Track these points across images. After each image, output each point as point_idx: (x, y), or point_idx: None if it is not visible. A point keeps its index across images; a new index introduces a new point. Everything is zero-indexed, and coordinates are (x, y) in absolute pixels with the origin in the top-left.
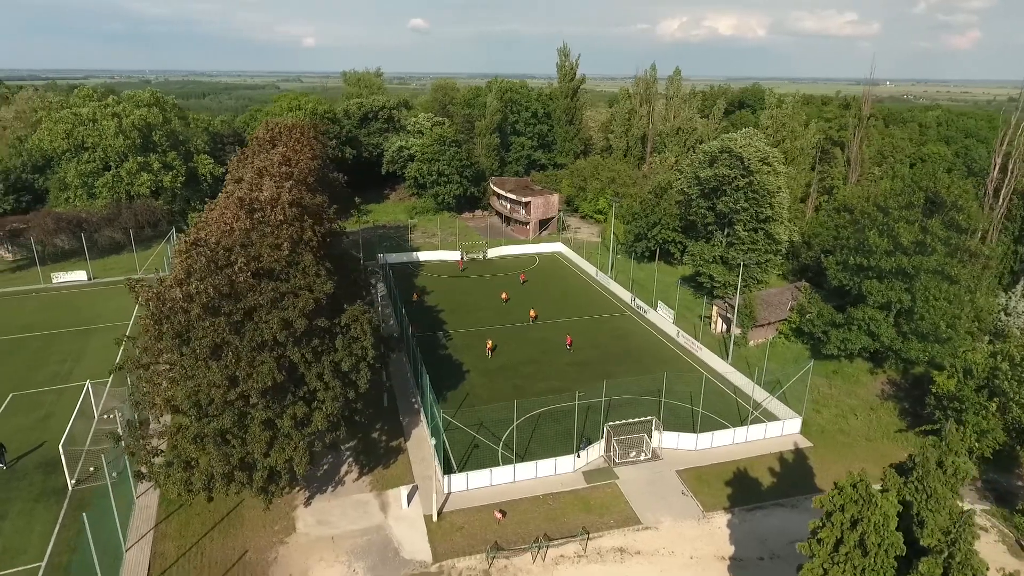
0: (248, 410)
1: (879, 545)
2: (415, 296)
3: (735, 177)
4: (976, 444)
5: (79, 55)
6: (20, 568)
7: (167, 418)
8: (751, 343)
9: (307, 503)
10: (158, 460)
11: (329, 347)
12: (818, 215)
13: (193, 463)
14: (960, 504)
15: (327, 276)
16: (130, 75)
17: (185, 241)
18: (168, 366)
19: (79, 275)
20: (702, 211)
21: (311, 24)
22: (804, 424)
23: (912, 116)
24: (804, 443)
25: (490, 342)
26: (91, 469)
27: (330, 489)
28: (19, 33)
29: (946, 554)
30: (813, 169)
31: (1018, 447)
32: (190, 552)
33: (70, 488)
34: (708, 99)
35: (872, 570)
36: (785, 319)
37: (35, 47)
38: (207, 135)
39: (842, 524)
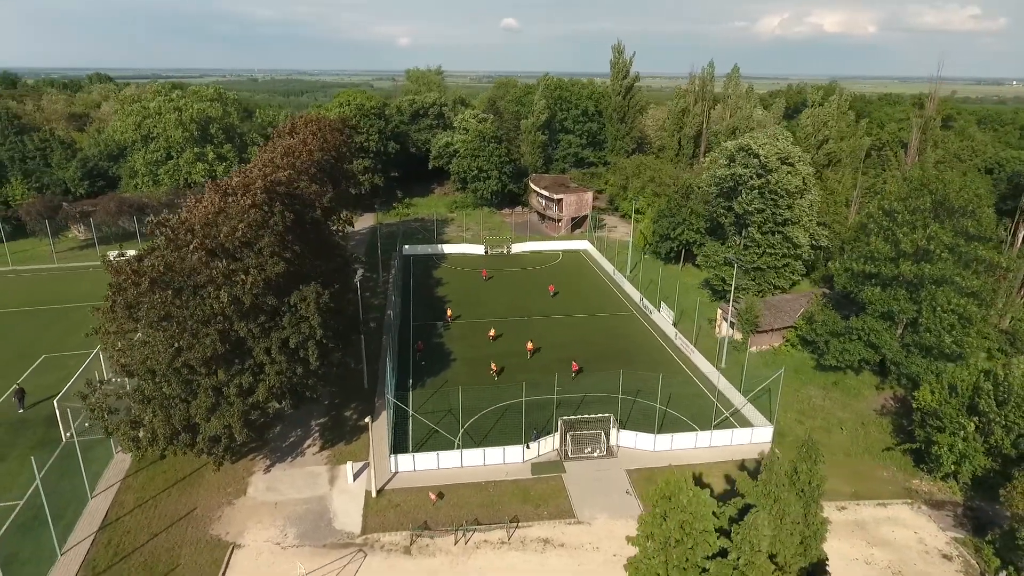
0: (195, 377)
1: (682, 542)
2: (419, 346)
3: (751, 176)
4: (954, 467)
5: (195, 56)
6: (3, 504)
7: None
8: (753, 349)
9: (266, 470)
10: (113, 418)
11: (277, 324)
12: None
13: (144, 422)
14: (819, 511)
15: (280, 258)
16: (239, 74)
17: (150, 222)
18: (127, 333)
19: (131, 254)
20: (721, 211)
21: (406, 24)
22: (780, 434)
23: (1015, 118)
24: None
25: (531, 343)
26: (86, 425)
27: (289, 459)
28: (146, 37)
29: (735, 556)
30: (862, 172)
31: (1016, 472)
32: (146, 504)
33: (64, 440)
34: (775, 98)
35: (678, 567)
36: (792, 326)
37: (159, 49)
38: (271, 129)
39: (653, 520)
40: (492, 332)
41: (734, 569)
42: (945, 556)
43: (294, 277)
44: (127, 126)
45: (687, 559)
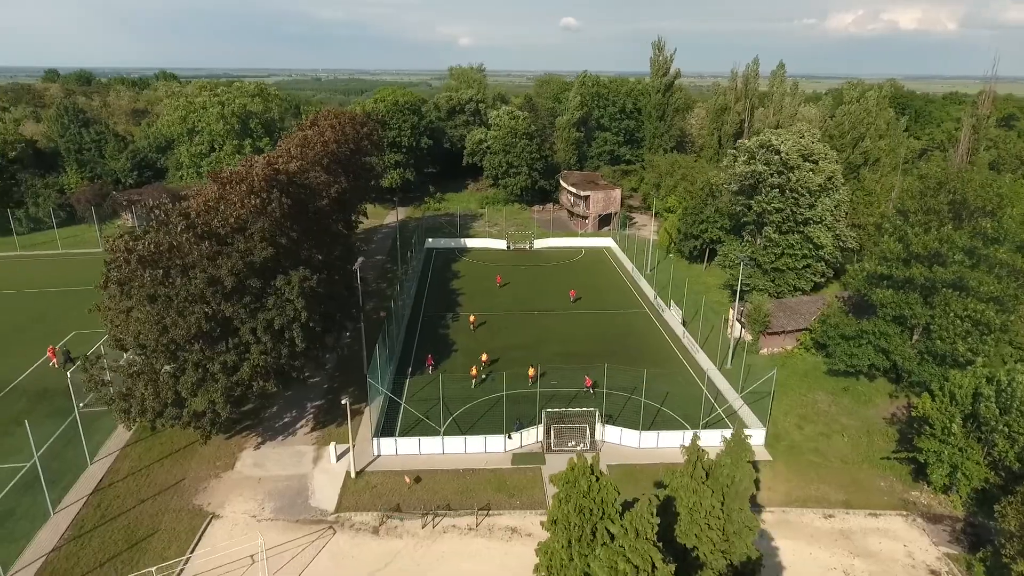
0: (182, 353)
1: (581, 527)
2: (429, 360)
3: (770, 174)
4: (948, 479)
5: (266, 56)
6: (12, 464)
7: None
8: (764, 351)
9: (256, 447)
10: (107, 390)
11: (263, 306)
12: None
13: (134, 395)
14: (744, 508)
15: (270, 243)
16: (304, 73)
17: (144, 206)
18: (129, 310)
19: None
20: (742, 209)
21: (467, 24)
22: (774, 437)
23: None
24: (763, 456)
25: (532, 369)
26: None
27: (280, 438)
28: (220, 37)
29: (619, 542)
30: (909, 172)
31: (1018, 487)
32: (139, 472)
33: (76, 409)
34: (829, 96)
35: (579, 552)
36: (806, 329)
37: (232, 49)
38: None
39: (558, 505)
40: (485, 357)
41: (620, 555)
42: (933, 571)
43: (289, 261)
44: (174, 120)
45: (587, 544)
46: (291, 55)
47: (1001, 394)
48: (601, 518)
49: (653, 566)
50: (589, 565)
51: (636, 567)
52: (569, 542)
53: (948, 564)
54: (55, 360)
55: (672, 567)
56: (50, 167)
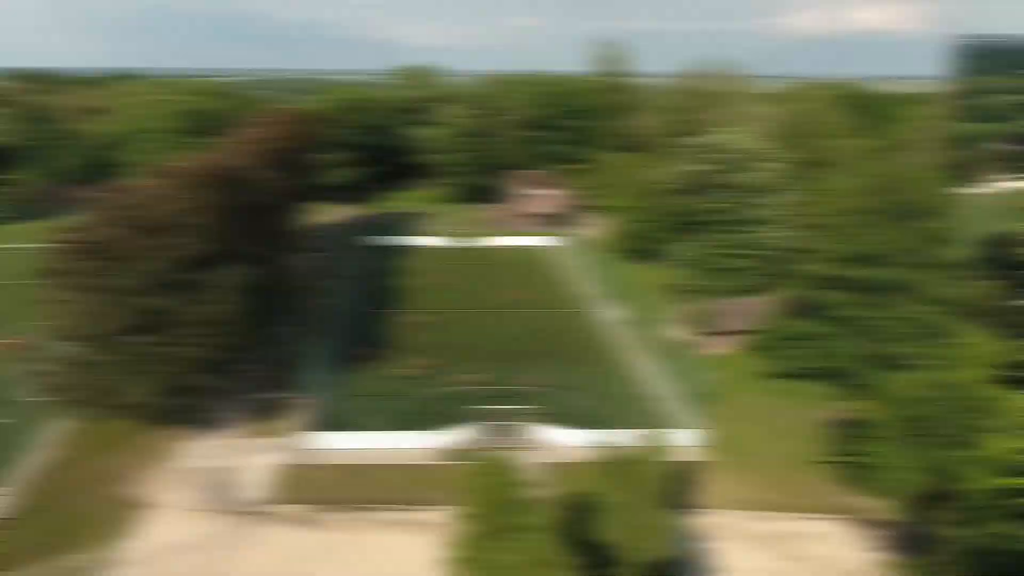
0: (119, 345)
1: (486, 519)
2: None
3: (715, 173)
4: (885, 481)
5: (227, 55)
6: None
7: None
8: (706, 352)
9: (193, 439)
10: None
11: (198, 299)
12: None
13: (71, 385)
14: (655, 508)
15: (202, 238)
16: (263, 72)
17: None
18: (57, 301)
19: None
20: (686, 208)
21: (422, 24)
22: (712, 439)
23: None
24: (700, 458)
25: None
26: None
27: (218, 430)
28: (182, 37)
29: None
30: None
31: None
32: (76, 462)
33: (16, 401)
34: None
35: (486, 544)
36: (749, 330)
37: (194, 48)
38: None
39: (467, 496)
40: (424, 361)
41: (523, 547)
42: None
43: (226, 256)
44: (125, 118)
45: (494, 536)
46: (251, 54)
47: (942, 395)
48: (508, 512)
49: (555, 558)
50: (495, 557)
51: (538, 559)
52: (477, 534)
53: (884, 570)
54: (10, 350)
55: (574, 560)
56: (3, 164)
